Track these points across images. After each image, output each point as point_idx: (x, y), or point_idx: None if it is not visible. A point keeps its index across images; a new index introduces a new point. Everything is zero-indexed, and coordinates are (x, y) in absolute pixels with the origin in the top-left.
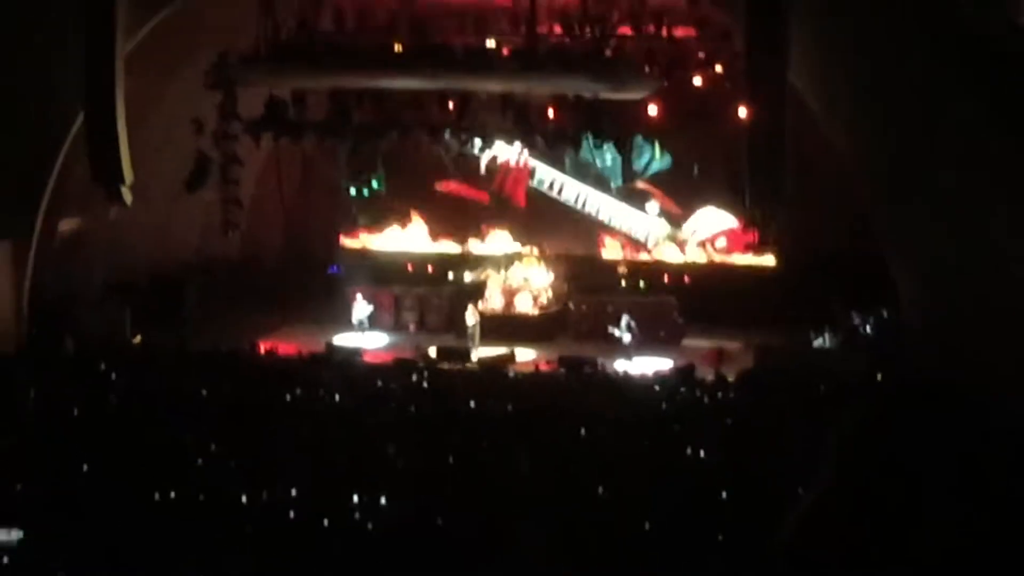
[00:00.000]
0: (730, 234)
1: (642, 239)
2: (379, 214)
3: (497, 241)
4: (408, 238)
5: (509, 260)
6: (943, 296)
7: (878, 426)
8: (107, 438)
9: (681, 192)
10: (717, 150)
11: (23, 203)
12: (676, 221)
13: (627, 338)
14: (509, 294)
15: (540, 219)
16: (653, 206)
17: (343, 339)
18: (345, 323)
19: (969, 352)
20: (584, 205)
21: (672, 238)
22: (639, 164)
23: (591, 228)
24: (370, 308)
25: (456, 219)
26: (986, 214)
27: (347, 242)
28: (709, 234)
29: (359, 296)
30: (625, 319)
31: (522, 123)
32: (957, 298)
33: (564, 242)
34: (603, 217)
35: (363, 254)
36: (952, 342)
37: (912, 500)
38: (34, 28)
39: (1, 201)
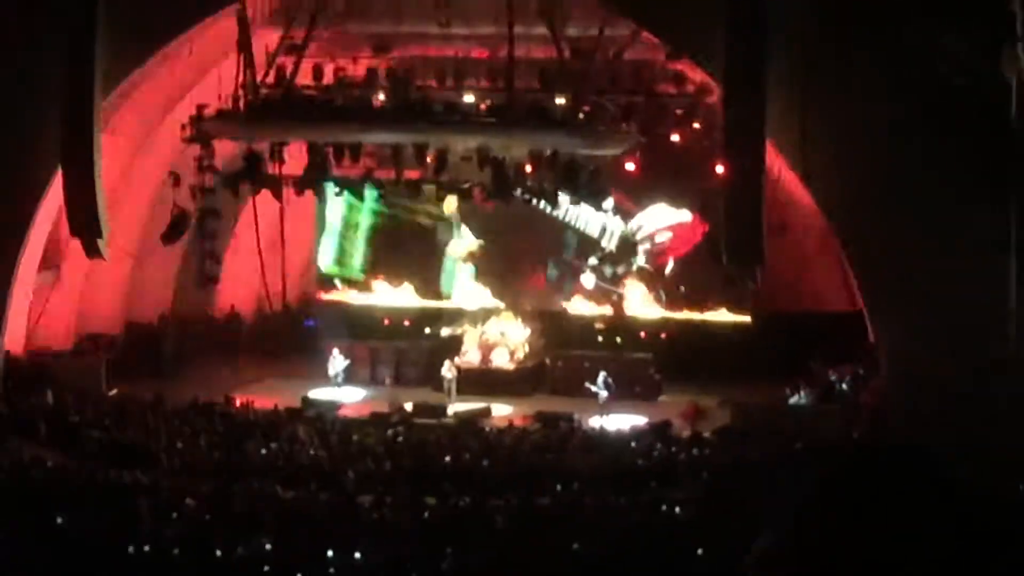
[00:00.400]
0: (676, 229)
1: (598, 236)
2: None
3: (473, 294)
4: (385, 293)
5: (486, 315)
6: (923, 354)
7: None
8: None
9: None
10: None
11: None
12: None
13: (604, 394)
14: (486, 348)
15: (501, 220)
16: (609, 203)
17: (319, 393)
18: (321, 377)
19: (948, 411)
20: (542, 204)
21: (629, 236)
22: None
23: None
24: (346, 362)
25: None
26: (969, 272)
27: (324, 296)
28: (654, 229)
29: (335, 350)
30: (602, 375)
31: (500, 178)
32: (937, 356)
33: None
34: (560, 215)
35: (340, 308)
36: (930, 402)
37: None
38: (13, 85)
39: None
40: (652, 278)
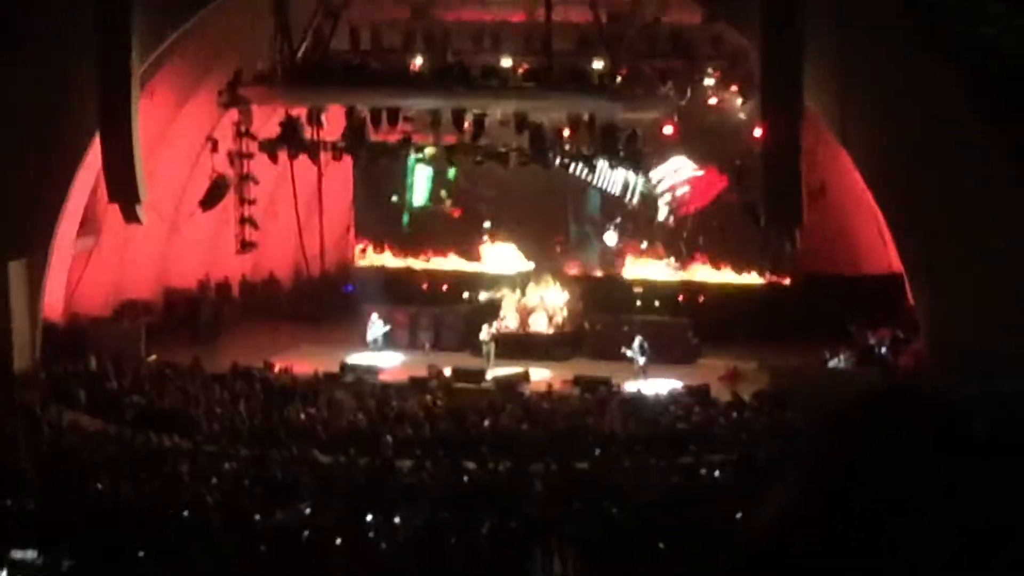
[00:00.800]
0: (694, 182)
1: (620, 193)
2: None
3: (507, 256)
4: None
5: (524, 279)
6: (962, 316)
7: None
8: (121, 455)
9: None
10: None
11: (37, 223)
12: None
13: (640, 359)
14: (524, 313)
15: (522, 180)
16: None
17: (358, 358)
18: (360, 342)
19: (987, 374)
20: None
21: (650, 191)
22: None
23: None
24: (386, 327)
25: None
26: (1008, 235)
27: (361, 261)
28: (673, 182)
29: (374, 315)
30: (638, 340)
31: (537, 143)
32: (976, 318)
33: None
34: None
35: (378, 272)
36: (970, 365)
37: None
38: (49, 49)
39: (16, 221)
40: (672, 234)
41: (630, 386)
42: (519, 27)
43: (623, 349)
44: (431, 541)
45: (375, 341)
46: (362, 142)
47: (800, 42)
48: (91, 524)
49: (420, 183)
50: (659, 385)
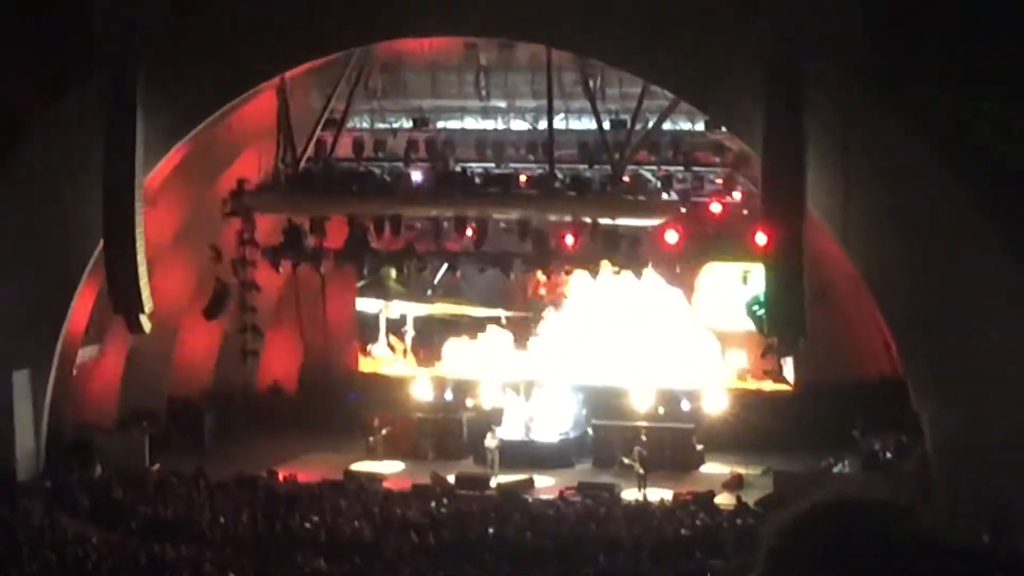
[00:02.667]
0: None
1: None
2: None
3: (514, 366)
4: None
5: (528, 386)
6: (966, 422)
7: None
8: (125, 565)
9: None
10: None
11: (41, 332)
12: None
13: (639, 468)
14: (528, 420)
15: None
16: None
17: (361, 466)
18: (363, 450)
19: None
20: None
21: None
22: None
23: None
24: (384, 431)
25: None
26: (1010, 340)
27: (365, 368)
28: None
29: (376, 422)
30: (636, 450)
31: (540, 249)
32: (980, 424)
33: None
34: None
35: (381, 380)
36: (974, 471)
37: None
38: (54, 161)
39: (20, 331)
40: None
41: (633, 493)
42: (521, 136)
43: (622, 458)
44: None
45: (376, 447)
46: (365, 250)
47: (802, 148)
48: None
49: None
50: (663, 491)
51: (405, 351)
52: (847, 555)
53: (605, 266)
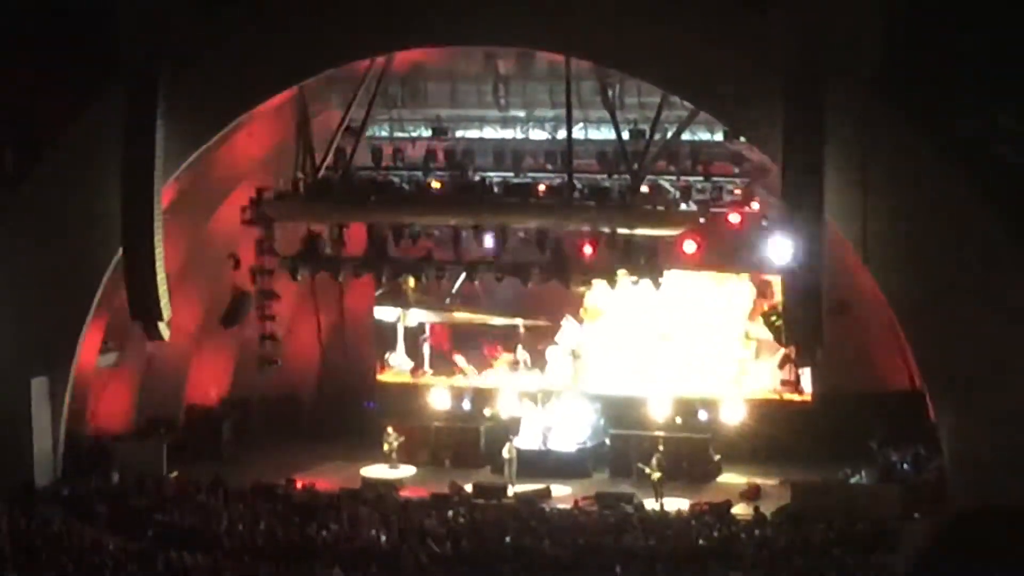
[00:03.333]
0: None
1: None
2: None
3: (526, 373)
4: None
5: (545, 395)
6: (984, 434)
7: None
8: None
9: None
10: None
11: (60, 339)
12: None
13: (656, 476)
14: (546, 429)
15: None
16: None
17: (376, 472)
18: (380, 457)
19: (1010, 493)
20: None
21: None
22: None
23: None
24: (400, 439)
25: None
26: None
27: (383, 377)
28: None
29: (388, 429)
30: (655, 459)
31: (559, 258)
32: (998, 437)
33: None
34: None
35: (399, 389)
36: (992, 484)
37: None
38: (74, 169)
39: (39, 337)
40: None
41: (651, 503)
42: (540, 145)
43: (640, 465)
44: None
45: (391, 454)
46: (384, 259)
47: (821, 159)
48: None
49: None
50: (680, 501)
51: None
52: (996, 557)
53: (622, 275)
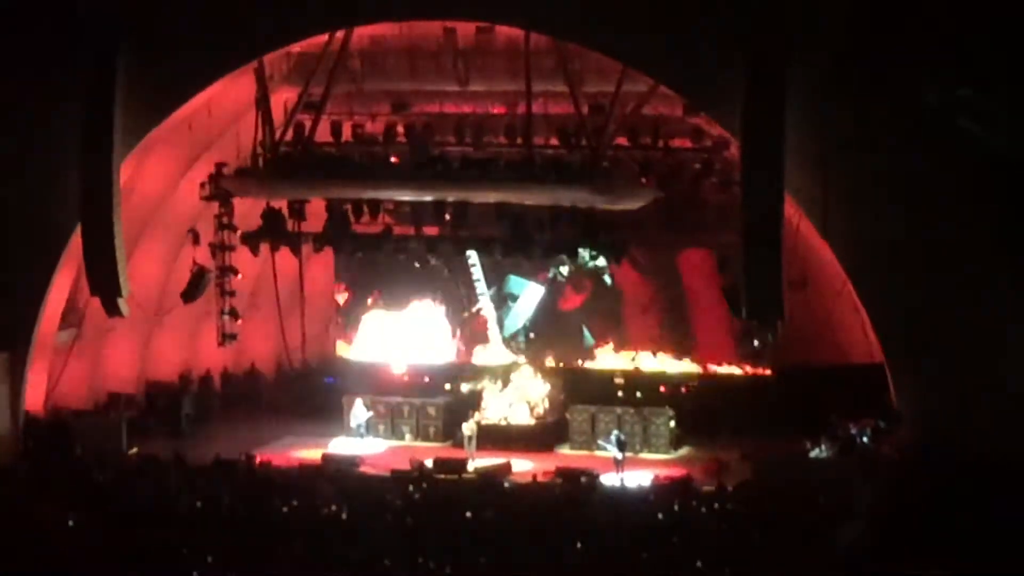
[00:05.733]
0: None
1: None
2: None
3: (493, 350)
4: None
5: (506, 370)
6: (943, 406)
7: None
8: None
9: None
10: None
11: (19, 316)
12: None
13: (616, 452)
14: (506, 404)
15: None
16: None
17: (340, 444)
18: (341, 433)
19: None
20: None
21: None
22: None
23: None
24: (369, 413)
25: None
26: (988, 325)
27: (342, 353)
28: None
29: (358, 401)
30: (615, 433)
31: (519, 233)
32: (957, 409)
33: None
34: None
35: (359, 365)
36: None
37: None
38: (31, 144)
39: None
40: None
41: (611, 478)
42: (500, 119)
43: (600, 442)
44: None
45: (359, 427)
46: (344, 234)
47: (781, 133)
48: None
49: None
50: (640, 477)
51: None
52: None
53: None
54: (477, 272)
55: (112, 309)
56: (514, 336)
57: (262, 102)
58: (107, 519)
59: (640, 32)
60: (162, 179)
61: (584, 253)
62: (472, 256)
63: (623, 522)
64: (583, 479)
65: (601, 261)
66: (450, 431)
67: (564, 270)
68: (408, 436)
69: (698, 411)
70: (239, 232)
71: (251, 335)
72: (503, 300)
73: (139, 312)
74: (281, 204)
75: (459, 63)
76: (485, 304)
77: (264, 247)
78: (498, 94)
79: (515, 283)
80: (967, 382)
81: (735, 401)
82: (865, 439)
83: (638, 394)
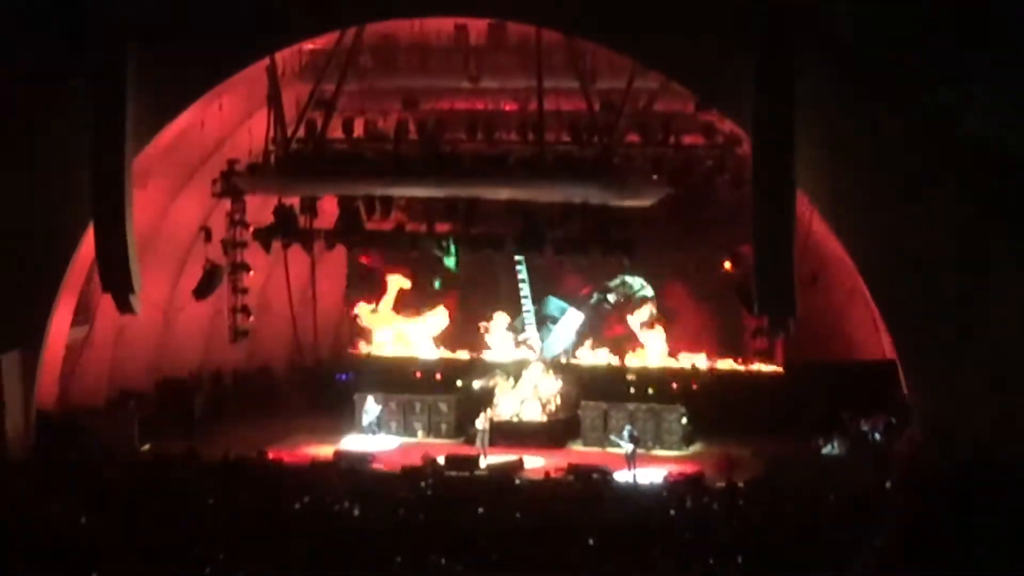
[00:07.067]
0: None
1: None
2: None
3: (505, 346)
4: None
5: (518, 367)
6: (956, 403)
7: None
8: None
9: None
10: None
11: (31, 313)
12: None
13: (629, 447)
14: (518, 401)
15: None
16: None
17: (352, 441)
18: (354, 429)
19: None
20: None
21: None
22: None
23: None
24: (379, 407)
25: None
26: (1000, 323)
27: (355, 350)
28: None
29: (369, 398)
30: (627, 429)
31: (530, 229)
32: (969, 406)
33: None
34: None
35: (372, 361)
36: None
37: None
38: (44, 140)
39: (10, 312)
40: None
41: (623, 474)
42: (512, 116)
43: (612, 437)
44: None
45: (370, 425)
46: (356, 231)
47: (792, 129)
48: None
49: None
50: (652, 473)
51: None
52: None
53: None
54: (525, 289)
55: (124, 306)
56: (555, 359)
57: (274, 98)
58: (119, 516)
59: (651, 28)
60: (175, 175)
61: (632, 281)
62: (521, 266)
63: (635, 518)
64: (595, 476)
65: (649, 291)
66: (462, 428)
67: (611, 298)
68: (420, 433)
69: (710, 408)
70: (251, 229)
71: (264, 332)
72: (542, 321)
73: (151, 309)
74: (293, 201)
75: (471, 60)
76: (529, 322)
77: (276, 244)
78: (510, 91)
79: (554, 305)
80: (979, 378)
81: (747, 398)
82: (877, 436)
83: (650, 391)
